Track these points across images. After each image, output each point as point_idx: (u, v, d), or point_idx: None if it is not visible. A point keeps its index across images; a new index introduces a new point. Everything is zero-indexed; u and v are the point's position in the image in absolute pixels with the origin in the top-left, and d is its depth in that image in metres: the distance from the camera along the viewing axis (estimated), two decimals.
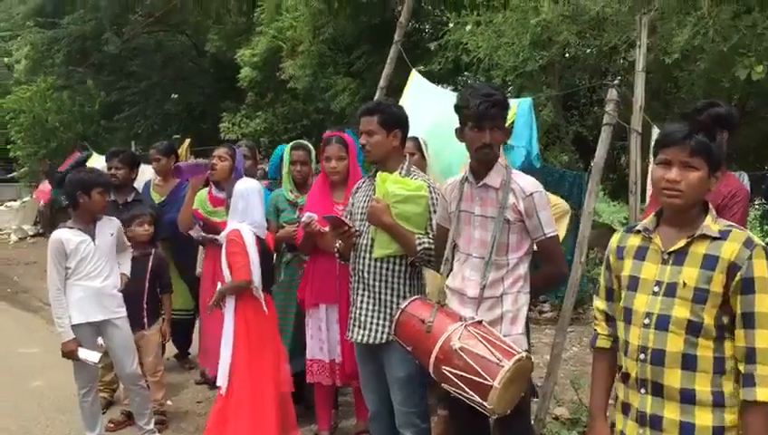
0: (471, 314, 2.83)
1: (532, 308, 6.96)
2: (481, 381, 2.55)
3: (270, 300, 4.07)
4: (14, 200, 19.48)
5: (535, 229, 2.87)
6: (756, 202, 9.38)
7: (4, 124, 19.97)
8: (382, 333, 3.30)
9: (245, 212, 3.97)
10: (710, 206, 2.20)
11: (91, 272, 4.08)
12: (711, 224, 2.14)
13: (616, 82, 4.30)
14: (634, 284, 2.26)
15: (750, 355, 2.04)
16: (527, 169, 4.86)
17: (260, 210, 4.00)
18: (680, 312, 2.11)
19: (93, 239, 4.11)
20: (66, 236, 4.04)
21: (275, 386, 3.96)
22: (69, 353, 4.01)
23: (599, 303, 2.47)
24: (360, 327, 3.39)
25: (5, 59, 20.86)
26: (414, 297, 3.10)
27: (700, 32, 5.55)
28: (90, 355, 4.04)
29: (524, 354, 2.64)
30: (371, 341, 3.34)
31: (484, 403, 2.55)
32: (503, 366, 2.54)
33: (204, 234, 4.90)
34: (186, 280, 5.47)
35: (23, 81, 18.66)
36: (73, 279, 4.05)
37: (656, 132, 4.61)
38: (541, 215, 2.85)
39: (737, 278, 2.05)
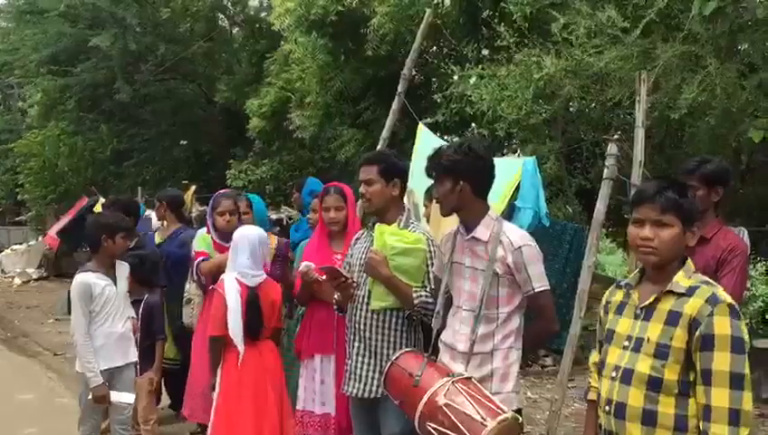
0: (461, 369, 2.80)
1: (534, 362, 6.87)
2: None
3: (267, 349, 4.03)
4: (21, 244, 19.55)
5: (524, 283, 2.84)
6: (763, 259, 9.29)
7: (14, 168, 20.23)
8: (377, 386, 3.24)
9: (234, 260, 3.98)
10: (688, 261, 2.24)
11: (112, 316, 4.07)
12: (681, 280, 2.18)
13: (616, 136, 4.32)
14: (610, 337, 2.34)
15: (706, 413, 2.07)
16: (537, 228, 4.86)
17: (246, 258, 3.96)
18: (642, 367, 2.16)
19: (115, 283, 4.12)
20: (93, 279, 4.02)
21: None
22: (101, 398, 3.97)
23: (593, 356, 2.56)
24: (355, 380, 3.34)
25: (20, 103, 21.25)
26: (405, 350, 3.06)
27: (706, 89, 5.59)
28: (123, 397, 4.05)
29: (510, 415, 2.58)
30: (366, 394, 3.29)
31: None
32: (486, 426, 2.49)
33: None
34: (172, 329, 5.37)
35: (35, 126, 18.94)
36: (96, 325, 4.02)
37: None
38: (530, 269, 2.82)
39: (697, 334, 2.08)
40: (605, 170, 4.21)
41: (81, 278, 4.03)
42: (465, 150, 2.92)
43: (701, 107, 5.79)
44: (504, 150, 9.56)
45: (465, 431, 2.51)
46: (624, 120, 7.41)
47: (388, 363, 2.99)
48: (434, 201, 4.44)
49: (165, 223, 5.77)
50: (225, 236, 4.54)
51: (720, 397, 2.04)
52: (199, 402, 4.86)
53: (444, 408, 2.59)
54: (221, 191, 4.97)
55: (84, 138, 18.24)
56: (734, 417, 2.03)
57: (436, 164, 2.98)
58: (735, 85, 5.66)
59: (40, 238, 17.90)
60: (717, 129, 5.98)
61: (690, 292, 2.15)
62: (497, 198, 4.81)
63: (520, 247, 2.82)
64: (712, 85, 5.57)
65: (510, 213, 4.95)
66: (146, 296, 4.73)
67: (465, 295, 2.94)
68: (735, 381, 2.04)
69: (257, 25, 16.72)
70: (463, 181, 2.89)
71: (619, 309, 2.35)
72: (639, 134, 4.17)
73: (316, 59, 10.48)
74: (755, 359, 5.74)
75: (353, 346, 3.38)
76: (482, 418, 2.52)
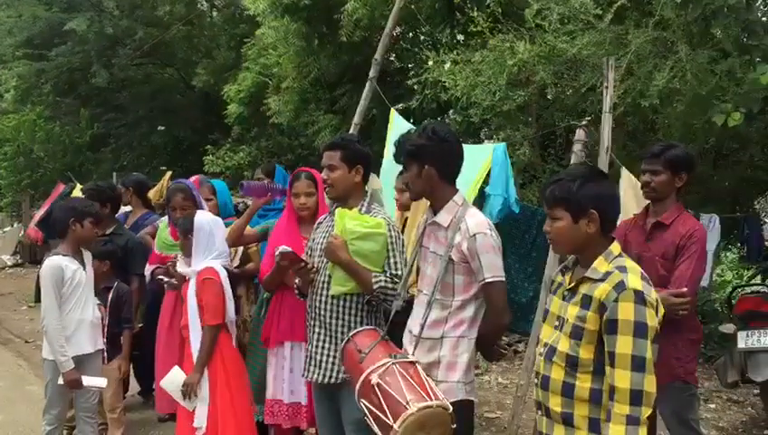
0: (413, 352, 2.80)
1: (507, 347, 6.89)
2: (386, 421, 2.50)
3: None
4: None
5: (477, 272, 2.80)
6: (736, 246, 9.37)
7: None
8: (338, 372, 3.21)
9: (212, 246, 3.90)
10: (612, 246, 2.35)
11: (83, 302, 4.04)
12: (600, 265, 2.30)
13: (584, 122, 4.33)
14: (545, 316, 2.52)
15: (611, 393, 2.19)
16: (507, 214, 4.87)
17: (222, 241, 3.96)
18: (563, 345, 2.32)
19: (84, 268, 4.08)
20: (65, 263, 3.98)
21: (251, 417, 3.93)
22: (73, 383, 3.94)
23: None
24: (315, 366, 3.31)
25: None
26: (366, 327, 3.04)
27: (677, 75, 5.59)
28: (95, 381, 4.03)
29: (436, 403, 2.53)
30: (326, 380, 3.26)
31: None
32: (407, 409, 2.47)
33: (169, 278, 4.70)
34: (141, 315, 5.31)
35: (11, 110, 18.69)
36: (68, 311, 3.98)
37: (624, 173, 4.62)
38: (482, 257, 2.77)
39: (604, 318, 2.21)
40: (572, 156, 4.21)
41: (51, 262, 3.98)
42: (428, 134, 2.89)
43: (672, 93, 5.80)
44: (482, 137, 9.56)
45: (388, 412, 2.50)
46: (598, 106, 7.40)
47: (346, 338, 2.97)
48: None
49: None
50: None
51: (623, 378, 2.15)
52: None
53: (375, 387, 2.58)
54: (175, 182, 4.92)
55: (61, 123, 18.06)
56: (636, 397, 2.14)
57: (401, 150, 2.97)
58: (706, 71, 5.67)
59: (15, 225, 17.68)
60: (687, 115, 6.00)
61: (604, 277, 2.26)
62: (468, 185, 4.83)
63: (474, 235, 2.78)
64: (683, 71, 5.58)
65: (481, 200, 4.97)
66: (116, 284, 4.68)
67: (426, 280, 2.94)
68: (637, 364, 2.15)
69: (236, 9, 16.57)
70: (428, 165, 2.87)
71: (555, 290, 2.51)
72: (606, 120, 4.17)
73: (290, 44, 10.41)
74: (721, 345, 5.80)
75: (314, 332, 3.34)
76: (406, 401, 2.49)
